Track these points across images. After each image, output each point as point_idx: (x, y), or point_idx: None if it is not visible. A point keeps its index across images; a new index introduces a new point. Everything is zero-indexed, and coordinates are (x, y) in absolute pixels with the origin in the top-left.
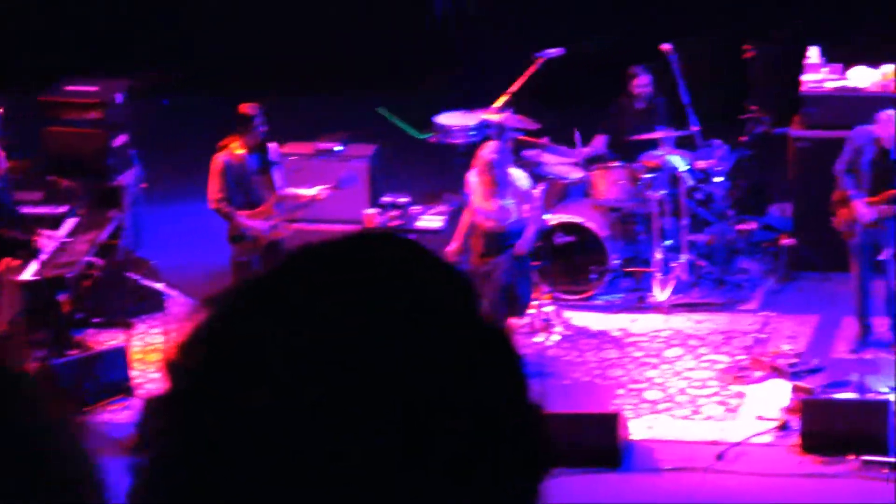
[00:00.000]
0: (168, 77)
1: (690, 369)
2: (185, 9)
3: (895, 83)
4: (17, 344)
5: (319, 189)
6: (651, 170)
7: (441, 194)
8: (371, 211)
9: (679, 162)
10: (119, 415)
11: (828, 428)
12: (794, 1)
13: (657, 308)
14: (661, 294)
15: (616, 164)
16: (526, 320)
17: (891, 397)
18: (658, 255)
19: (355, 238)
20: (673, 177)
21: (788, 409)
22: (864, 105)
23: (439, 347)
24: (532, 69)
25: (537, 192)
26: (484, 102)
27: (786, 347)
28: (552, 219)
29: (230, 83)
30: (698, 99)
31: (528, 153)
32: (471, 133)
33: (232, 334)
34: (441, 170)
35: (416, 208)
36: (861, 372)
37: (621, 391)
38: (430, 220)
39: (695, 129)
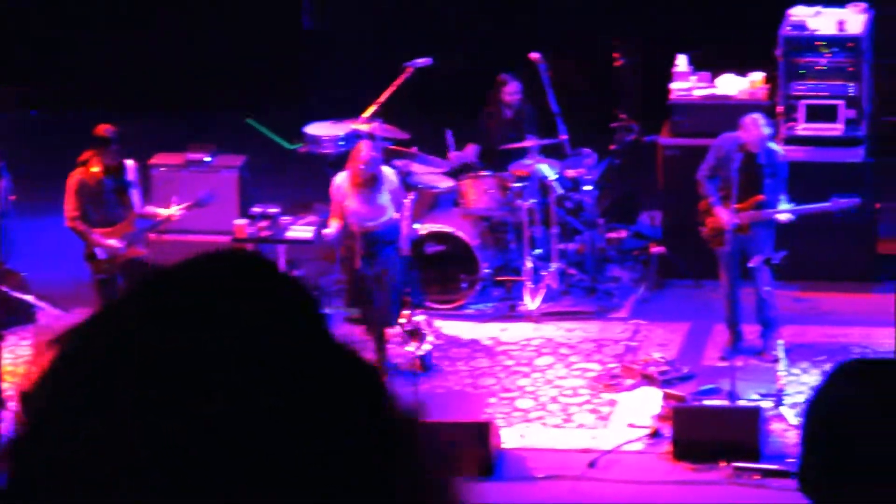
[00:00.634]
0: (36, 89)
1: (562, 378)
2: (55, 20)
3: (763, 91)
4: None
5: (177, 208)
6: (521, 179)
7: (311, 204)
8: (241, 221)
9: (548, 171)
10: None
11: (699, 435)
12: (663, 9)
13: (528, 317)
14: (531, 303)
15: (486, 173)
16: (397, 329)
17: (761, 404)
18: (528, 264)
19: (201, 261)
20: (543, 186)
21: (660, 417)
22: (732, 113)
23: (289, 369)
24: (401, 79)
25: (407, 200)
26: (353, 112)
27: (657, 355)
28: (422, 228)
29: (101, 95)
30: (567, 108)
31: (398, 163)
32: (340, 143)
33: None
34: (311, 180)
35: (286, 219)
36: (732, 379)
37: (493, 400)
38: (301, 231)
39: (564, 137)
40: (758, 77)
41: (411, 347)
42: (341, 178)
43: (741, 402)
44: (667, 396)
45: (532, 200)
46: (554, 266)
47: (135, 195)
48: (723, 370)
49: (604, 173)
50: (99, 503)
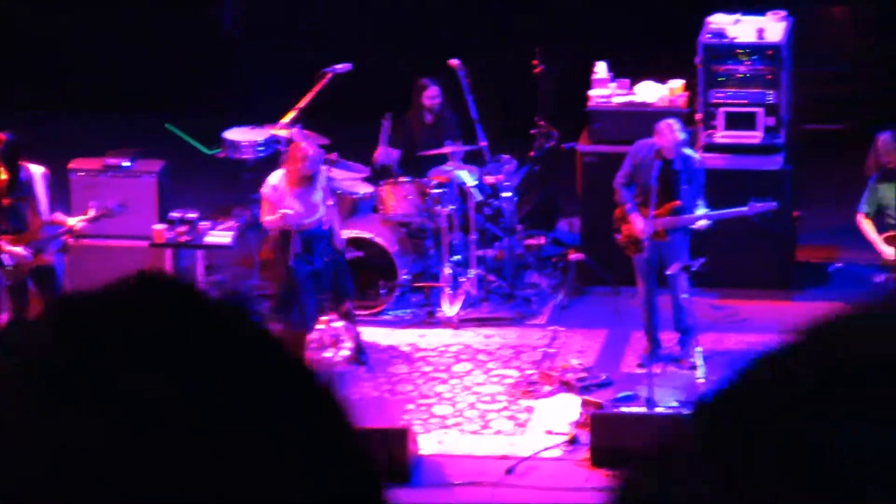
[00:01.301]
0: None
1: (480, 384)
2: None
3: (683, 98)
4: None
5: (79, 219)
6: (440, 185)
7: (230, 209)
8: (160, 226)
9: (467, 177)
10: None
11: (617, 442)
12: (583, 16)
13: (446, 323)
14: (450, 309)
15: (405, 179)
16: (315, 335)
17: (680, 411)
18: (447, 270)
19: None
20: (462, 192)
21: (577, 424)
22: (651, 120)
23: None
24: (320, 84)
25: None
26: (272, 118)
27: (575, 362)
28: (342, 234)
29: (19, 97)
30: (487, 114)
31: None
32: (259, 149)
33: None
34: (230, 185)
35: (204, 224)
36: (650, 386)
37: (410, 406)
38: (219, 236)
39: (483, 144)
40: (677, 84)
41: (329, 353)
42: (277, 178)
43: (659, 409)
44: (585, 403)
45: (451, 207)
46: (472, 272)
47: (43, 202)
48: (641, 377)
49: (523, 180)
50: None
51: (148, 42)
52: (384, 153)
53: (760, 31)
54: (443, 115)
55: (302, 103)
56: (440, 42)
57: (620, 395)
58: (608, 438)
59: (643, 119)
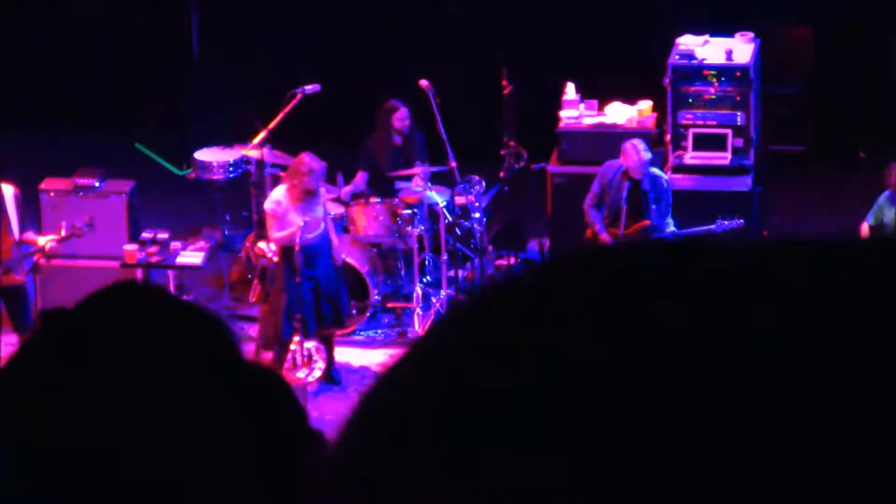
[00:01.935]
0: None
1: None
2: None
3: (652, 119)
4: None
5: (55, 237)
6: (410, 205)
7: (201, 230)
8: (130, 247)
9: (438, 198)
10: None
11: None
12: (552, 37)
13: None
14: (421, 329)
15: (375, 199)
16: (287, 356)
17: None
18: (418, 291)
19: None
20: (432, 212)
21: None
22: (620, 141)
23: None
24: (290, 105)
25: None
26: (242, 138)
27: None
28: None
29: None
30: (456, 135)
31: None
32: (229, 169)
33: None
34: (200, 206)
35: (175, 244)
36: None
37: None
38: (190, 256)
39: (453, 164)
40: (646, 106)
41: (301, 373)
42: (280, 193)
43: None
44: None
45: (422, 227)
46: (443, 293)
47: (13, 222)
48: None
49: (493, 200)
50: None
51: (120, 62)
52: (346, 193)
53: (729, 53)
54: (412, 137)
55: (272, 124)
56: (410, 63)
57: None
58: None
59: (612, 140)
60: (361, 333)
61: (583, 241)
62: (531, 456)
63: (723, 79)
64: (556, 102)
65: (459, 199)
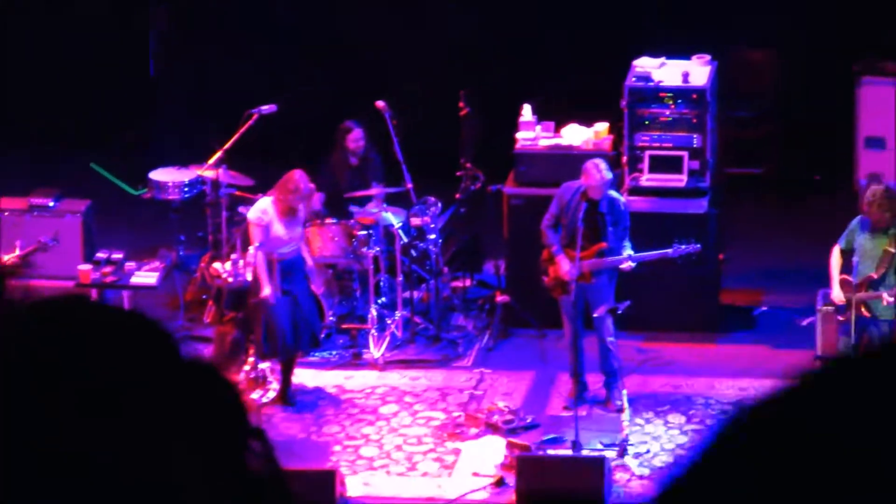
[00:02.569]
0: None
1: (406, 426)
2: None
3: (608, 141)
4: None
5: (14, 255)
6: (366, 226)
7: (156, 250)
8: (85, 267)
9: (393, 219)
10: None
11: (543, 484)
12: (509, 59)
13: (372, 365)
14: (376, 351)
15: (331, 220)
16: (241, 377)
17: (605, 454)
18: (373, 312)
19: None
20: (388, 233)
21: (504, 466)
22: (576, 163)
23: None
24: (246, 125)
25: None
26: (198, 158)
27: (501, 404)
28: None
29: None
30: (412, 156)
31: (244, 209)
32: (185, 189)
33: None
34: (156, 226)
35: (130, 264)
36: (576, 428)
37: (337, 447)
38: (145, 276)
39: (409, 185)
40: (602, 127)
41: (256, 394)
42: (266, 204)
43: (585, 452)
44: (511, 445)
45: (377, 248)
46: (399, 314)
47: None
48: (567, 419)
49: (449, 221)
50: None
51: (75, 80)
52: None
53: (686, 75)
54: (368, 157)
55: (228, 144)
56: (366, 83)
57: (547, 437)
58: (535, 481)
59: (569, 162)
60: (316, 354)
61: (539, 262)
62: None
63: (679, 101)
64: (514, 124)
65: (415, 221)
